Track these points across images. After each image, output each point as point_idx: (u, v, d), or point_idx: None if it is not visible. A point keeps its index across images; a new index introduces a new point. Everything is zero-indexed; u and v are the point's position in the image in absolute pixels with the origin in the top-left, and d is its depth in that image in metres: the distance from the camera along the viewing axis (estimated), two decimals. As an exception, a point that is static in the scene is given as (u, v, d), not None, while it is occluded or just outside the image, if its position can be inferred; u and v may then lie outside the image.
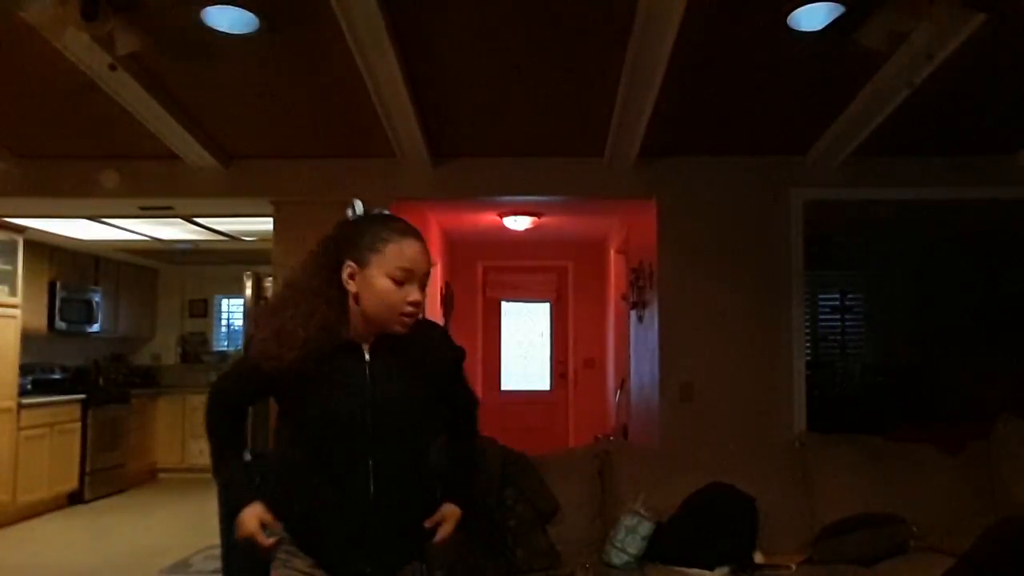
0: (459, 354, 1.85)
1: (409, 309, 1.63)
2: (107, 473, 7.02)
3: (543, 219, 5.81)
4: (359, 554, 1.67)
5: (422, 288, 1.66)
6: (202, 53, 3.24)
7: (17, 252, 6.09)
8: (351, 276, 1.65)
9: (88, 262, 7.47)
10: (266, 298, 5.24)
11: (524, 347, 8.17)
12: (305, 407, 1.66)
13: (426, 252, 1.67)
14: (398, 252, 1.63)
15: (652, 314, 4.59)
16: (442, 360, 1.79)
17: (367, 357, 1.68)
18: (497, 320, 8.15)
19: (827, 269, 6.38)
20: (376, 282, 1.62)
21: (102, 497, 6.89)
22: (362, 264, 1.64)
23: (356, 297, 1.65)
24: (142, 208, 4.88)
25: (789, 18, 2.86)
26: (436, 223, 6.37)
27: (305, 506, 1.68)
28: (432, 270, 1.70)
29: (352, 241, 1.68)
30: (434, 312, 6.27)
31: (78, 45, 3.03)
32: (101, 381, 7.65)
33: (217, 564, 4.27)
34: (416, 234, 1.67)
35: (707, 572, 3.15)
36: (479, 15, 3.01)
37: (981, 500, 3.45)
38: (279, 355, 1.61)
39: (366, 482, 1.63)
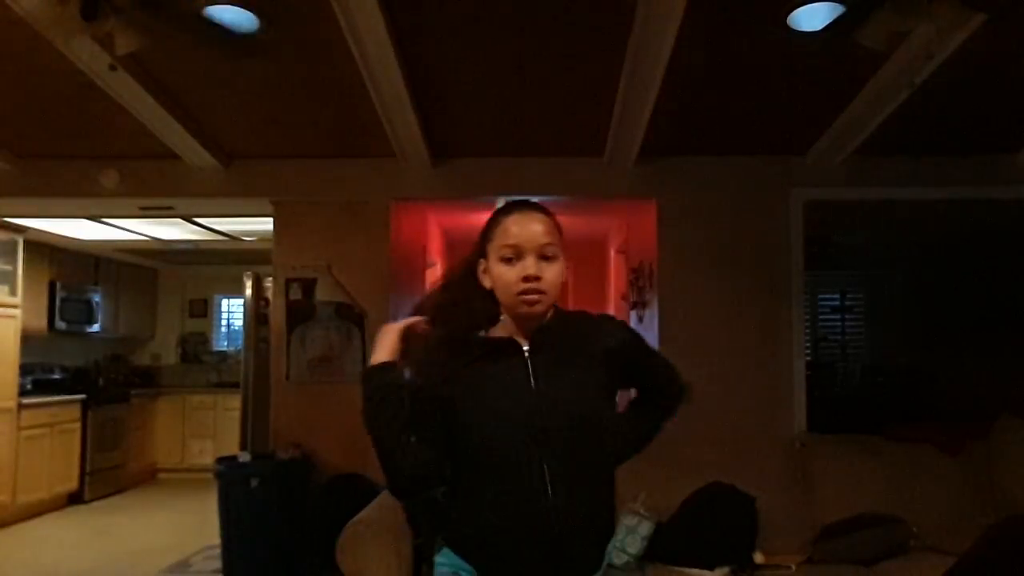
0: (625, 332, 1.68)
1: (524, 286, 1.51)
2: (107, 473, 7.02)
3: (543, 219, 5.80)
4: (541, 570, 1.48)
5: (545, 259, 1.53)
6: (202, 53, 3.24)
7: (17, 252, 6.09)
8: (484, 272, 1.59)
9: (88, 262, 7.47)
10: (267, 298, 5.24)
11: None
12: (472, 414, 1.52)
13: (540, 222, 1.55)
14: (503, 232, 1.55)
15: (652, 314, 4.59)
16: (607, 342, 1.60)
17: (526, 354, 1.56)
18: (497, 320, 8.14)
19: (827, 269, 6.38)
20: (494, 270, 1.55)
21: (102, 497, 6.89)
22: (486, 256, 1.58)
23: (494, 293, 1.57)
24: (142, 208, 4.88)
25: (789, 18, 2.87)
26: (436, 223, 6.37)
27: (480, 523, 1.52)
28: (541, 246, 1.53)
29: (481, 237, 1.62)
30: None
31: (78, 45, 3.03)
32: (101, 381, 7.65)
33: (217, 564, 4.27)
34: (525, 206, 1.59)
35: (707, 572, 3.15)
36: (479, 15, 3.01)
37: (981, 500, 3.46)
38: (446, 368, 1.54)
39: (543, 487, 1.46)
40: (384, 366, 1.54)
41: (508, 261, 1.53)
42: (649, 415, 1.75)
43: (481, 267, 1.60)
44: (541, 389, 1.52)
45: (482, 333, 1.59)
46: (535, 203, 1.61)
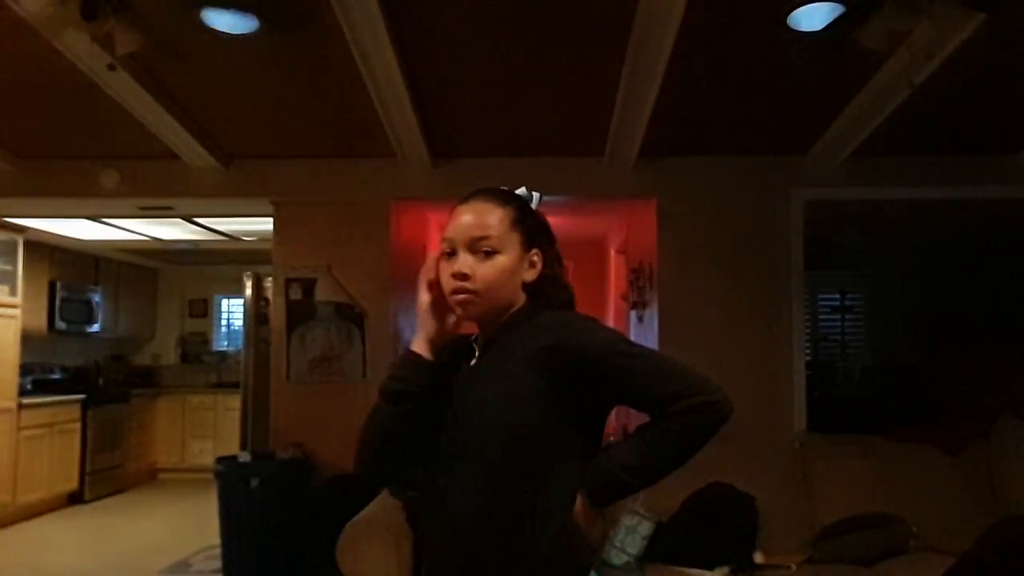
0: (568, 331, 1.38)
1: (454, 284, 1.36)
2: (107, 473, 7.02)
3: (543, 219, 5.80)
4: None
5: (482, 253, 1.36)
6: (202, 53, 3.24)
7: (17, 252, 6.09)
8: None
9: (88, 262, 7.47)
10: (267, 298, 5.24)
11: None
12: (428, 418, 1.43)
13: (476, 212, 1.39)
14: (447, 226, 1.41)
15: (652, 314, 4.59)
16: (542, 340, 1.35)
17: (474, 360, 1.43)
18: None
19: (827, 269, 6.38)
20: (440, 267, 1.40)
21: (102, 497, 6.89)
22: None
23: None
24: (142, 208, 4.88)
25: (789, 18, 2.86)
26: (436, 223, 6.36)
27: (421, 532, 1.49)
28: (471, 239, 1.37)
29: None
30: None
31: (78, 45, 3.03)
32: (101, 381, 7.65)
33: (217, 564, 4.27)
34: (473, 195, 1.43)
35: (707, 572, 3.15)
36: (479, 15, 3.00)
37: (981, 500, 3.46)
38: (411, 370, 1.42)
39: (441, 505, 1.37)
40: (417, 363, 1.41)
41: (446, 256, 1.39)
42: (654, 436, 1.34)
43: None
44: (460, 396, 1.38)
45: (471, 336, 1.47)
46: (488, 190, 1.44)
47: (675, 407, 1.31)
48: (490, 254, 1.36)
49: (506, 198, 1.43)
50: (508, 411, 1.32)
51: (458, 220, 1.39)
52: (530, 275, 1.42)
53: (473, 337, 1.46)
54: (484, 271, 1.36)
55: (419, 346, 1.41)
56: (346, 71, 3.28)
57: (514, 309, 1.41)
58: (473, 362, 1.42)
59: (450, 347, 1.45)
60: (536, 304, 1.43)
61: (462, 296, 1.36)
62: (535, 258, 1.43)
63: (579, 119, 3.95)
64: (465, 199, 1.42)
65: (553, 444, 1.33)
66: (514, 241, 1.39)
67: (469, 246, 1.37)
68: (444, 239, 1.39)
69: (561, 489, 1.33)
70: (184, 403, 8.02)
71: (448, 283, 1.37)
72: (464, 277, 1.35)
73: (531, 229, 1.43)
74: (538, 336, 1.35)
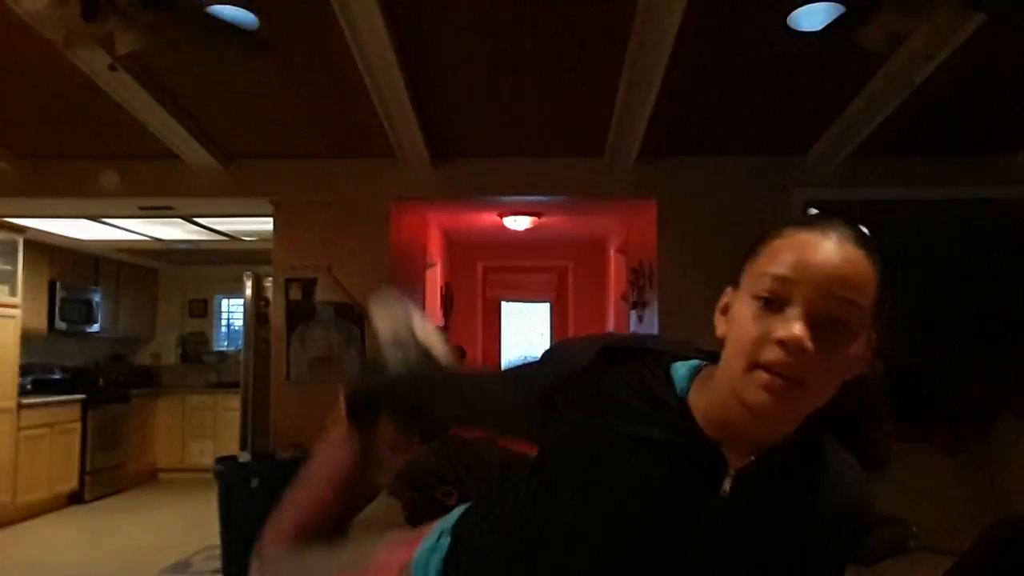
0: (863, 514, 0.96)
1: (770, 356, 0.82)
2: (107, 473, 7.01)
3: (543, 219, 5.81)
4: None
5: (831, 329, 0.83)
6: (202, 53, 3.24)
7: (17, 252, 6.09)
8: (723, 310, 0.93)
9: (88, 262, 7.47)
10: (267, 298, 5.24)
11: (524, 347, 8.18)
12: (560, 507, 0.92)
13: (852, 262, 0.86)
14: (775, 251, 0.87)
15: (652, 314, 4.59)
16: (835, 519, 0.92)
17: (727, 484, 0.88)
18: (497, 320, 8.15)
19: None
20: (737, 310, 0.89)
21: (102, 497, 6.88)
22: (737, 285, 0.92)
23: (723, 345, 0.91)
24: (142, 208, 4.88)
25: (789, 18, 2.87)
26: (436, 223, 6.36)
27: None
28: (833, 298, 0.84)
29: (746, 252, 0.94)
30: (433, 313, 6.27)
31: (78, 45, 3.03)
32: (101, 381, 7.64)
33: (217, 564, 4.27)
34: (832, 227, 0.90)
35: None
36: (479, 15, 3.00)
37: (981, 500, 3.46)
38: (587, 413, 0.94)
39: None
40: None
41: (765, 302, 0.85)
42: None
43: (725, 299, 0.93)
44: (712, 547, 0.86)
45: (681, 399, 0.92)
46: (855, 230, 0.93)
47: None
48: (843, 335, 0.84)
49: (872, 248, 0.92)
50: None
51: (814, 260, 0.85)
52: (851, 373, 0.89)
53: (713, 445, 0.89)
54: (832, 357, 0.83)
55: None
56: (346, 71, 3.29)
57: (794, 432, 0.90)
58: (727, 490, 0.88)
59: (658, 415, 0.91)
60: (854, 445, 0.97)
61: (779, 381, 0.82)
62: (872, 346, 0.91)
63: (579, 119, 3.95)
64: (817, 227, 0.89)
65: None
66: (868, 320, 0.89)
67: (824, 308, 0.83)
68: (775, 277, 0.85)
69: None
70: (184, 403, 8.01)
71: (755, 345, 0.83)
72: (801, 349, 0.81)
73: (884, 302, 0.92)
74: (832, 493, 0.92)
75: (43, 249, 6.71)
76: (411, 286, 5.30)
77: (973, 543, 2.70)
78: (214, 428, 7.89)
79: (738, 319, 0.87)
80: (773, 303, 0.84)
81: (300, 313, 4.50)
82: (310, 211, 4.56)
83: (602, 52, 3.22)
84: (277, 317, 4.55)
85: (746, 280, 0.89)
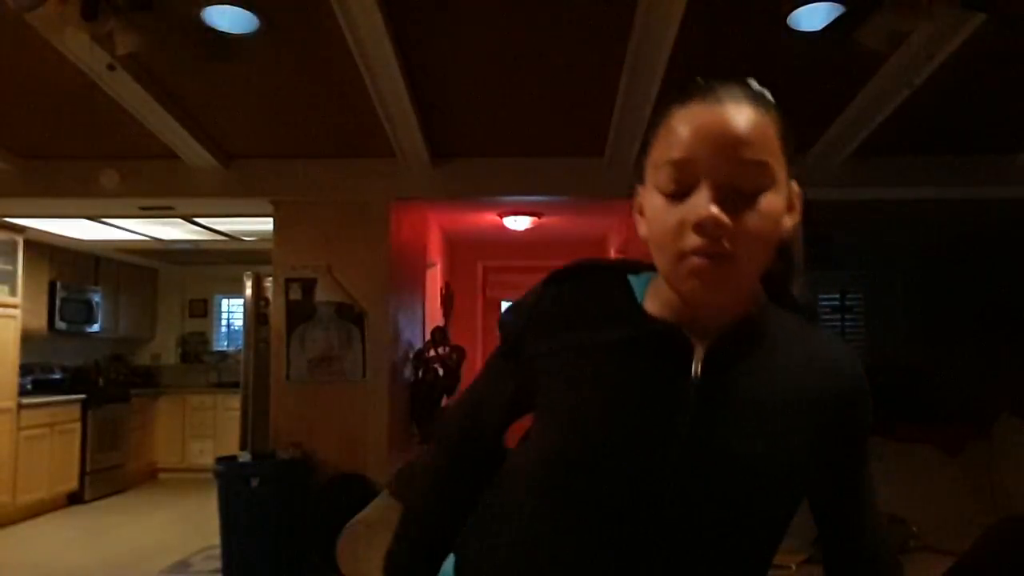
0: (867, 403, 0.93)
1: (691, 243, 0.79)
2: (107, 473, 7.01)
3: (543, 219, 5.81)
4: None
5: (738, 192, 0.80)
6: (202, 53, 3.24)
7: (17, 252, 6.09)
8: (640, 211, 0.90)
9: (88, 262, 7.47)
10: (267, 298, 5.23)
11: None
12: (555, 428, 0.90)
13: (744, 116, 0.84)
14: (665, 135, 0.85)
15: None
16: (841, 393, 0.90)
17: (695, 369, 0.86)
18: (497, 320, 8.15)
19: (827, 269, 6.38)
20: (648, 206, 0.86)
21: (102, 497, 6.89)
22: (642, 180, 0.89)
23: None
24: (142, 208, 4.88)
25: (789, 18, 2.87)
26: (436, 223, 6.36)
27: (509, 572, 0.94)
28: (737, 163, 0.81)
29: (640, 146, 0.91)
30: (432, 313, 6.27)
31: (78, 45, 3.03)
32: (101, 381, 7.64)
33: (217, 564, 4.27)
34: (713, 89, 0.89)
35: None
36: (479, 15, 3.01)
37: (981, 500, 3.46)
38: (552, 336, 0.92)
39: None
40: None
41: (669, 193, 0.82)
42: None
43: (637, 199, 0.90)
44: (698, 437, 0.84)
45: (640, 303, 0.91)
46: (733, 81, 0.92)
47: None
48: (760, 192, 0.81)
49: (762, 96, 0.91)
50: (783, 490, 0.87)
51: (706, 133, 0.81)
52: (790, 222, 0.87)
53: (674, 328, 0.87)
54: (754, 221, 0.80)
55: None
56: (346, 71, 3.29)
57: (755, 305, 0.89)
58: (695, 377, 0.86)
59: (625, 319, 0.90)
60: (783, 302, 0.93)
61: (707, 262, 0.79)
62: (795, 197, 0.89)
63: (579, 119, 3.95)
64: (699, 97, 0.87)
65: (779, 532, 0.92)
66: (782, 171, 0.86)
67: (729, 176, 0.80)
68: (672, 162, 0.82)
69: None
70: (184, 403, 8.01)
71: (678, 237, 0.80)
72: (718, 226, 0.78)
73: (791, 144, 0.91)
74: (824, 373, 0.90)
75: (43, 249, 6.71)
76: (411, 286, 5.30)
77: (973, 543, 2.70)
78: (214, 428, 7.90)
79: (651, 215, 0.85)
80: (679, 188, 0.81)
81: (300, 313, 4.50)
82: (310, 211, 4.56)
83: (602, 52, 3.22)
84: (277, 317, 4.55)
85: (649, 173, 0.86)
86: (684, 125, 0.83)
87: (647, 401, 0.86)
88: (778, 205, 0.84)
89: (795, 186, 0.89)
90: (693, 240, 0.79)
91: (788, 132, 0.90)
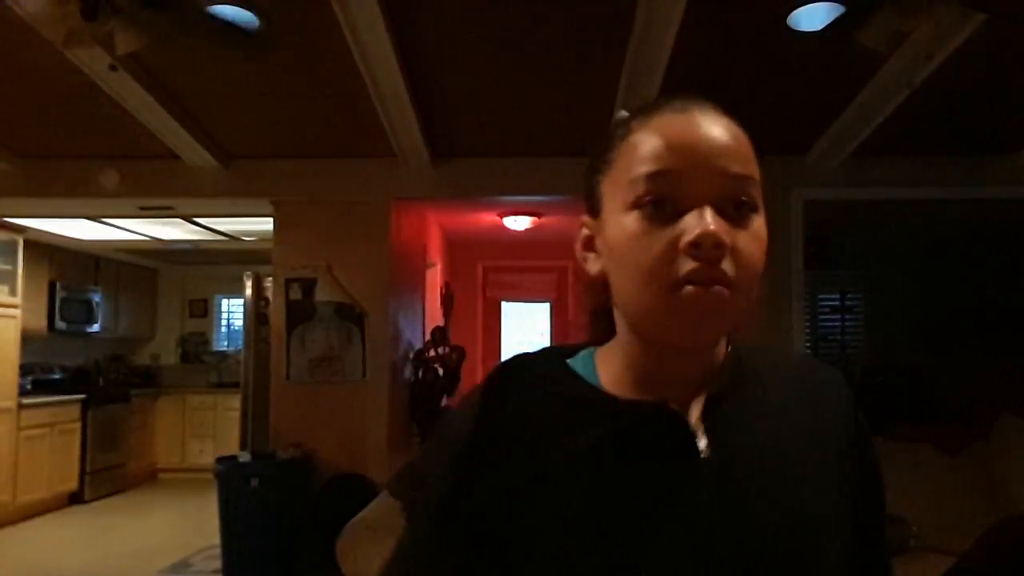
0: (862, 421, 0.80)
1: (688, 266, 0.65)
2: (107, 473, 7.01)
3: (543, 219, 5.81)
4: None
5: (736, 212, 0.68)
6: (202, 53, 3.24)
7: (17, 252, 6.09)
8: (586, 246, 0.77)
9: (88, 262, 7.47)
10: (267, 298, 5.23)
11: (524, 347, 8.17)
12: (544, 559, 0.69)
13: (727, 129, 0.74)
14: (633, 149, 0.71)
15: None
16: (843, 428, 0.77)
17: (701, 442, 0.70)
18: (497, 320, 8.15)
19: (827, 269, 6.38)
20: (613, 234, 0.71)
21: (102, 497, 6.89)
22: (595, 213, 0.75)
23: (609, 288, 0.74)
24: (142, 208, 4.88)
25: (789, 18, 2.87)
26: (436, 223, 6.36)
27: None
28: (730, 177, 0.70)
29: (587, 171, 0.77)
30: (432, 313, 6.27)
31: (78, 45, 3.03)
32: (101, 381, 7.65)
33: (217, 564, 4.27)
34: (684, 102, 0.74)
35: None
36: (479, 15, 3.01)
37: (981, 500, 3.45)
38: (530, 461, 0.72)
39: None
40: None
41: (651, 208, 0.68)
42: None
43: (585, 232, 0.77)
44: (733, 524, 0.68)
45: (599, 386, 0.75)
46: (705, 99, 0.76)
47: None
48: (750, 213, 0.70)
49: (731, 113, 0.78)
50: (829, 547, 0.71)
51: (691, 141, 0.69)
52: (764, 260, 0.73)
53: (658, 405, 0.71)
54: (748, 245, 0.68)
55: None
56: (346, 71, 3.29)
57: (728, 344, 0.78)
58: (703, 450, 0.70)
59: (602, 411, 0.72)
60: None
61: (707, 291, 0.66)
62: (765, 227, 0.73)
63: (579, 119, 3.95)
64: (669, 106, 0.73)
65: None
66: (761, 199, 0.72)
67: (721, 189, 0.68)
68: (649, 175, 0.68)
69: None
70: (184, 403, 8.02)
71: (668, 265, 0.66)
72: (719, 245, 0.65)
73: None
74: (825, 402, 0.78)
75: (43, 249, 6.71)
76: (411, 286, 5.30)
77: (973, 543, 2.70)
78: (214, 428, 7.90)
79: (621, 243, 0.69)
80: (660, 206, 0.67)
81: (300, 313, 4.50)
82: (310, 211, 4.56)
83: (602, 52, 3.22)
84: (277, 317, 4.55)
85: (608, 199, 0.72)
86: (654, 136, 0.70)
87: (661, 506, 0.68)
88: (765, 231, 0.70)
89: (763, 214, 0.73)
90: (688, 265, 0.65)
91: (759, 152, 0.75)
